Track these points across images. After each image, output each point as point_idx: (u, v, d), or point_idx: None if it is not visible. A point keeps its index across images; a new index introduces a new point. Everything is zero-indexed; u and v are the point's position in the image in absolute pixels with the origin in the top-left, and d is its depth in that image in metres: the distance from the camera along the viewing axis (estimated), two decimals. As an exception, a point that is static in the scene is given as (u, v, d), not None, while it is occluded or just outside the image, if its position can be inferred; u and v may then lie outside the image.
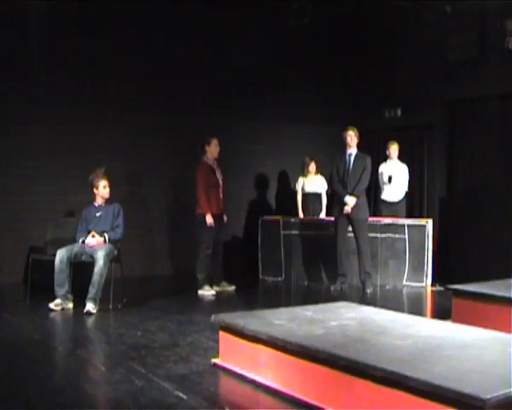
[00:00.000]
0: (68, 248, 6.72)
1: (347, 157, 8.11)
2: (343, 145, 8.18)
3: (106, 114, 9.04)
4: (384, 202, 9.03)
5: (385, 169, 9.04)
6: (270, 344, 3.96)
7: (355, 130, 8.13)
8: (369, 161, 8.11)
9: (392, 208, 8.93)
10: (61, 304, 6.61)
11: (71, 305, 6.68)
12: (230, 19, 9.57)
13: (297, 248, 9.02)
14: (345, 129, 8.17)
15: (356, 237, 8.09)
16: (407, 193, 9.10)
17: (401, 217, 8.84)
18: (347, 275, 8.19)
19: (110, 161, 8.59)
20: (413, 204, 9.91)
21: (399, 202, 8.99)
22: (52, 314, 6.46)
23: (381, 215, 8.92)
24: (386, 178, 8.95)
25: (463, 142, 9.55)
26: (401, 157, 9.17)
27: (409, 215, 9.20)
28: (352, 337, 3.86)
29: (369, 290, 7.97)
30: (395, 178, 8.91)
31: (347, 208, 7.95)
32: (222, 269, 8.20)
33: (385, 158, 9.20)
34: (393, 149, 9.04)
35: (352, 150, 8.10)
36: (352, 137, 8.07)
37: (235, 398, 4.01)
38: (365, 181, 8.05)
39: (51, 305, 6.58)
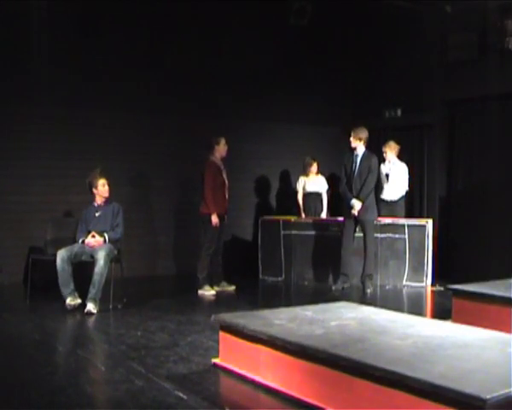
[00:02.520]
0: (68, 249, 6.72)
1: (354, 158, 8.09)
2: (346, 145, 8.18)
3: (106, 114, 9.04)
4: (382, 200, 9.01)
5: (383, 168, 9.03)
6: (270, 344, 3.96)
7: (355, 132, 8.07)
8: (374, 160, 8.07)
9: (390, 207, 8.91)
10: (73, 301, 6.58)
11: (79, 301, 6.65)
12: (230, 19, 9.57)
13: (297, 249, 9.01)
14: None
15: (363, 237, 8.11)
16: (407, 192, 9.08)
17: (399, 216, 8.83)
18: (349, 275, 8.20)
19: (110, 161, 8.62)
20: (413, 204, 9.92)
21: (398, 201, 8.95)
22: (52, 314, 6.45)
23: (379, 214, 8.92)
24: (384, 178, 8.95)
25: (463, 142, 9.54)
26: (401, 157, 9.16)
27: (409, 215, 9.19)
28: (352, 337, 3.86)
29: (368, 290, 7.97)
30: (392, 177, 8.89)
31: (354, 211, 7.95)
32: (222, 269, 8.21)
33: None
34: (386, 151, 8.98)
35: (359, 151, 8.08)
36: (352, 142, 8.06)
37: (235, 398, 4.01)
38: (371, 183, 8.01)
39: (67, 305, 6.53)
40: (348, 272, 8.17)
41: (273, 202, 10.60)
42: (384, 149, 9.00)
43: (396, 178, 8.92)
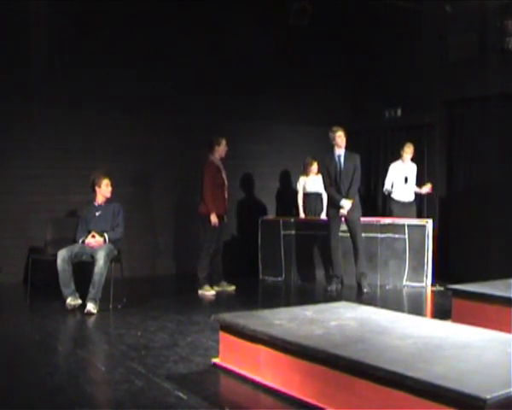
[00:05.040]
0: (68, 249, 6.72)
1: (337, 158, 8.09)
2: (331, 146, 8.16)
3: (106, 114, 9.05)
4: (397, 202, 8.99)
5: (398, 169, 9.02)
6: (270, 344, 3.96)
7: (343, 130, 8.11)
8: (358, 159, 8.13)
9: (407, 208, 8.95)
10: (74, 301, 6.59)
11: (80, 301, 6.65)
12: (230, 18, 9.58)
13: (297, 248, 9.01)
14: (333, 130, 8.10)
15: (352, 237, 8.10)
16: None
17: (413, 217, 8.89)
18: (340, 276, 8.20)
19: (110, 161, 8.64)
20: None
21: (413, 201, 9.08)
22: (52, 314, 6.44)
23: (392, 215, 8.89)
24: (402, 179, 8.97)
25: (463, 142, 9.54)
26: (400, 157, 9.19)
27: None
28: (352, 337, 3.86)
29: (365, 290, 7.98)
30: (410, 178, 9.00)
31: (343, 212, 7.94)
32: (222, 269, 8.20)
33: (395, 157, 9.19)
34: (408, 153, 9.00)
35: (341, 151, 8.09)
36: (342, 138, 8.04)
37: (235, 398, 4.01)
38: (358, 181, 8.06)
39: (67, 305, 6.54)
40: (340, 274, 8.18)
41: (273, 202, 10.60)
42: (406, 150, 9.01)
43: (413, 180, 9.03)
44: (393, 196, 9.07)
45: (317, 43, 10.37)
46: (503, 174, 8.87)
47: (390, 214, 8.99)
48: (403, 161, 9.07)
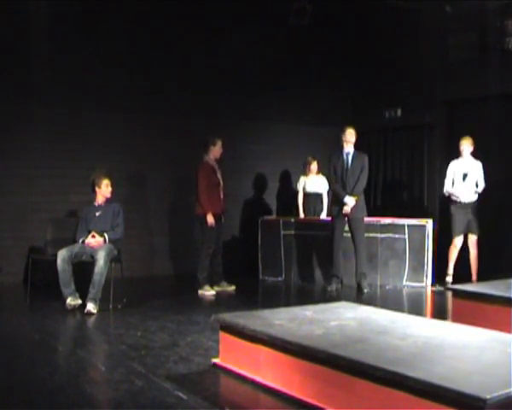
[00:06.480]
0: (68, 249, 6.72)
1: (345, 156, 8.09)
2: (341, 145, 8.17)
3: (106, 114, 9.05)
4: (456, 202, 8.32)
5: (458, 166, 8.39)
6: (270, 344, 3.96)
7: (353, 129, 8.13)
8: (366, 160, 8.11)
9: (465, 210, 8.25)
10: (74, 301, 6.59)
11: (80, 301, 6.65)
12: (230, 19, 9.58)
13: (297, 248, 9.01)
14: (343, 128, 8.14)
15: (353, 236, 8.09)
16: (483, 191, 8.30)
17: (474, 220, 8.26)
18: (340, 276, 8.19)
19: (110, 161, 8.62)
20: (413, 204, 9.91)
21: (474, 202, 8.29)
22: (52, 314, 6.44)
23: (451, 218, 8.33)
24: (460, 177, 8.32)
25: (463, 142, 9.54)
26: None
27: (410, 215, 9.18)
28: (352, 337, 3.86)
29: (366, 290, 7.97)
30: (470, 176, 8.29)
31: (347, 209, 7.93)
32: (222, 269, 8.20)
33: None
34: (465, 145, 8.32)
35: (350, 149, 8.09)
36: (352, 134, 8.05)
37: (235, 398, 4.01)
38: (364, 180, 8.04)
39: (67, 305, 6.54)
40: (340, 274, 8.16)
41: (273, 201, 10.61)
42: (462, 142, 8.34)
43: (473, 178, 8.30)
44: (452, 196, 8.36)
45: (317, 44, 10.37)
46: (504, 174, 8.87)
47: (449, 217, 8.37)
48: (462, 157, 8.38)
